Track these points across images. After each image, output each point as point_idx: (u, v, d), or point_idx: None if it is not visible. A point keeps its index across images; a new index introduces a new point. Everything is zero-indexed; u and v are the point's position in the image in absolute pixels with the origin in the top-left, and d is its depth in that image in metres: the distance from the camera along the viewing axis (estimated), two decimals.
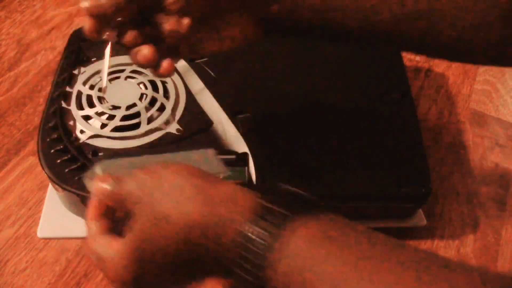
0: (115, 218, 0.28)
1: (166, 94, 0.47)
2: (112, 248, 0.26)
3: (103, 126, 0.44)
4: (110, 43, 0.33)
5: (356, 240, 0.23)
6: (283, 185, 0.40)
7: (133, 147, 0.43)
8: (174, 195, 0.25)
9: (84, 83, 0.47)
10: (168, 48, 0.33)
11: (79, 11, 0.67)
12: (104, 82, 0.40)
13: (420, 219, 0.47)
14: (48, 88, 0.48)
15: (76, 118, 0.44)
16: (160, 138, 0.44)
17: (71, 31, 0.53)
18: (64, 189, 0.41)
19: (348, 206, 0.43)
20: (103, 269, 0.26)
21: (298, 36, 0.37)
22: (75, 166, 0.41)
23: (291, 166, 0.43)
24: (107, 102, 0.45)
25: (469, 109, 0.59)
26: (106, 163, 0.30)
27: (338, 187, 0.42)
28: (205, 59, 0.50)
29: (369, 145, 0.45)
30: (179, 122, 0.45)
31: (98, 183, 0.27)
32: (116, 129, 0.44)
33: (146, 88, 0.46)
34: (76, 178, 0.41)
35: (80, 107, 0.45)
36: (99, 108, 0.45)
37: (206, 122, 0.45)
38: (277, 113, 0.46)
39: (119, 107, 0.45)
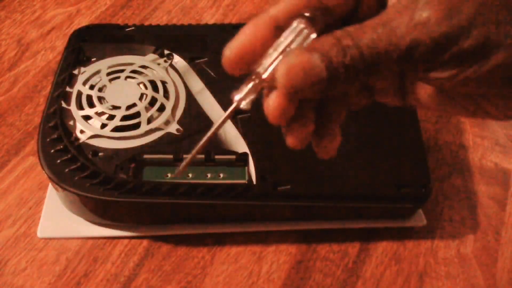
0: None
1: (166, 94, 0.47)
2: None
3: (103, 126, 0.44)
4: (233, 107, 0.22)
5: None
6: None
7: (133, 147, 0.43)
8: None
9: (84, 83, 0.47)
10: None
11: (79, 11, 0.67)
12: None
13: (420, 219, 0.47)
14: (48, 88, 0.48)
15: (76, 118, 0.44)
16: (160, 138, 0.44)
17: (71, 31, 0.53)
18: (64, 189, 0.41)
19: (348, 206, 0.43)
20: None
21: None
22: (75, 166, 0.41)
23: (291, 166, 0.43)
24: (107, 102, 0.45)
25: None
26: None
27: (338, 187, 0.42)
28: (205, 59, 0.50)
29: (369, 145, 0.45)
30: (179, 122, 0.45)
31: None
32: (116, 129, 0.44)
33: (146, 88, 0.47)
34: (76, 178, 0.41)
35: (80, 107, 0.45)
36: (99, 108, 0.45)
37: (206, 122, 0.45)
38: None
39: (119, 107, 0.45)
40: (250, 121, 0.45)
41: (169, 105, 0.46)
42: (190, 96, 0.47)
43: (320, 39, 0.19)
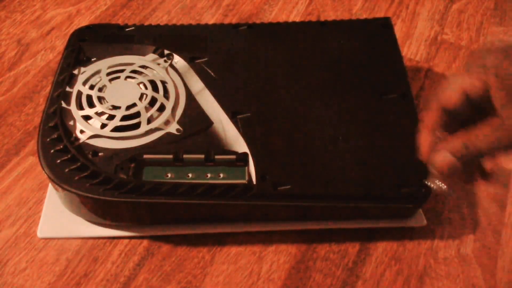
0: None
1: (166, 94, 0.47)
2: None
3: (103, 126, 0.44)
4: None
5: None
6: None
7: (133, 147, 0.43)
8: None
9: (84, 83, 0.47)
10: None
11: (79, 11, 0.67)
12: None
13: (420, 219, 0.47)
14: (48, 88, 0.48)
15: (76, 118, 0.44)
16: (160, 138, 0.44)
17: (71, 31, 0.53)
18: (64, 189, 0.41)
19: (348, 206, 0.43)
20: None
21: None
22: (75, 166, 0.41)
23: (291, 166, 0.43)
24: (107, 102, 0.45)
25: None
26: None
27: (338, 187, 0.42)
28: (205, 59, 0.50)
29: (369, 145, 0.45)
30: (179, 122, 0.45)
31: None
32: (116, 129, 0.44)
33: (146, 88, 0.47)
34: (76, 178, 0.41)
35: (80, 107, 0.45)
36: (99, 108, 0.45)
37: (206, 122, 0.45)
38: (278, 113, 0.46)
39: (119, 107, 0.45)
40: (250, 121, 0.45)
41: (169, 105, 0.46)
42: (190, 96, 0.47)
43: (452, 142, 0.30)
